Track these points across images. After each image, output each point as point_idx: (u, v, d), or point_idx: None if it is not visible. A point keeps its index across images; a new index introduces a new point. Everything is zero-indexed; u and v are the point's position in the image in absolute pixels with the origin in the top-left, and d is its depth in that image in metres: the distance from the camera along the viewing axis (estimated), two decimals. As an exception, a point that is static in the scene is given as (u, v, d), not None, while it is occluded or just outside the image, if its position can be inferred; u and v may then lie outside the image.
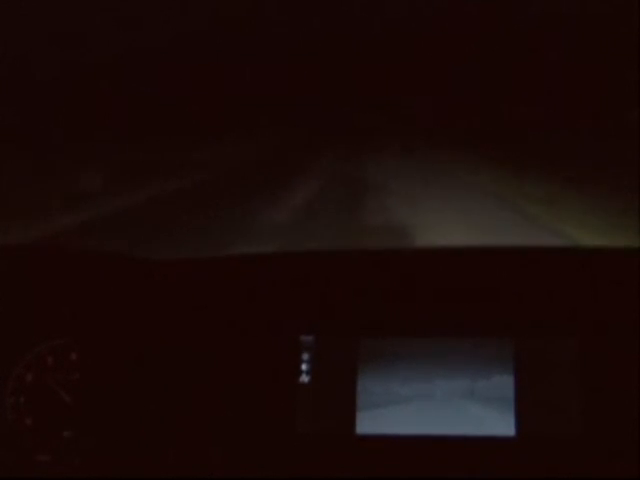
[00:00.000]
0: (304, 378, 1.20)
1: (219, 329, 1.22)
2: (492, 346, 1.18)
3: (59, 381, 1.21)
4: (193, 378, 1.19)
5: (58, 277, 1.28)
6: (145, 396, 1.19)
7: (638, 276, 1.18)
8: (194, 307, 1.24)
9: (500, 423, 1.16)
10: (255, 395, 1.19)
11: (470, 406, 1.17)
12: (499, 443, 1.15)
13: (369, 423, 1.17)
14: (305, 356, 1.20)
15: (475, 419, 1.16)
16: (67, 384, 1.21)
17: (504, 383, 1.17)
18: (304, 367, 1.20)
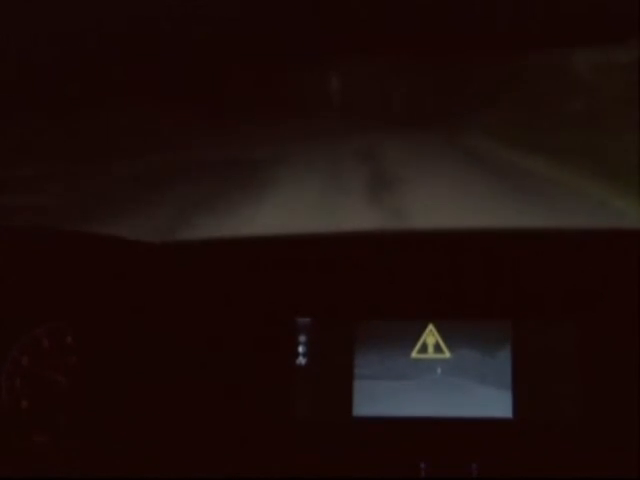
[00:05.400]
0: (301, 360, 1.20)
1: (216, 311, 1.22)
2: (490, 328, 1.18)
3: (55, 364, 1.21)
4: (190, 361, 1.19)
5: (53, 260, 1.27)
6: (141, 379, 1.19)
7: (637, 258, 1.18)
8: (190, 290, 1.24)
9: (498, 405, 1.16)
10: (253, 376, 1.19)
11: (468, 388, 1.17)
12: (496, 425, 1.15)
13: (366, 405, 1.18)
14: (302, 338, 1.20)
15: (473, 401, 1.16)
16: (63, 367, 1.20)
17: (502, 365, 1.17)
18: (301, 349, 1.20)
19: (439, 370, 1.18)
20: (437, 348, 1.18)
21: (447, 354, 1.18)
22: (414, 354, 1.19)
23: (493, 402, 1.16)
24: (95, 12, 0.77)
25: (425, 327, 1.19)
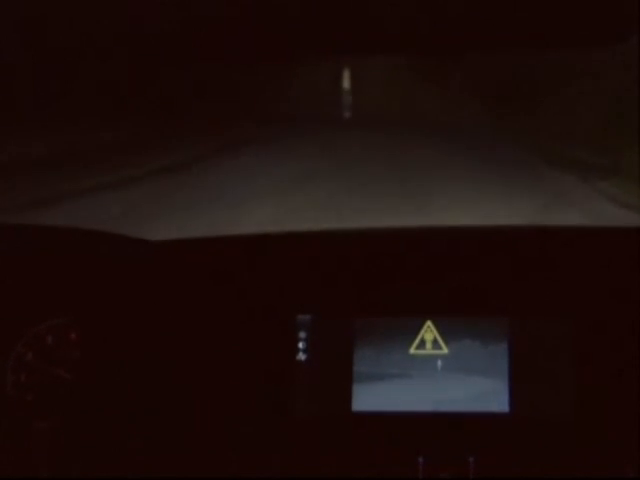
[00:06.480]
0: (301, 356, 1.21)
1: (216, 308, 1.23)
2: (488, 325, 1.19)
3: (59, 360, 1.22)
4: (190, 358, 1.21)
5: (57, 257, 1.29)
6: (142, 375, 1.20)
7: (635, 256, 1.19)
8: (192, 287, 1.25)
9: (495, 400, 1.17)
10: (253, 372, 1.20)
11: (465, 383, 1.18)
12: (493, 419, 1.17)
13: (365, 400, 1.19)
14: (302, 335, 1.22)
15: (470, 396, 1.18)
16: (67, 363, 1.22)
17: (499, 361, 1.18)
18: (301, 345, 1.21)
19: (437, 366, 1.19)
20: (435, 344, 1.19)
21: (445, 350, 1.19)
22: (412, 350, 1.20)
23: (490, 397, 1.17)
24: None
25: (423, 323, 1.20)
